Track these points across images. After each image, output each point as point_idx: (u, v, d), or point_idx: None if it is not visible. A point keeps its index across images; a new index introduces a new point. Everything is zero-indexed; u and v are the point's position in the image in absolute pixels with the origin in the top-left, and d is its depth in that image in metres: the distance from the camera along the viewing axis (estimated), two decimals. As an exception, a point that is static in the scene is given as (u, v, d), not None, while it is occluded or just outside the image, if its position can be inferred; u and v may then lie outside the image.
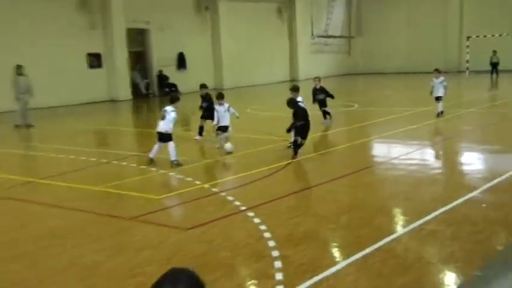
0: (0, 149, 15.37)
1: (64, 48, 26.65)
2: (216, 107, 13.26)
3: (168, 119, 11.77)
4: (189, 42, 32.66)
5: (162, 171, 11.42)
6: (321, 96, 16.78)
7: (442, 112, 17.15)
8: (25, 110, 19.65)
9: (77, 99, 26.89)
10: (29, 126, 19.49)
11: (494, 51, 32.60)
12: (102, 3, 28.00)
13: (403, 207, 8.40)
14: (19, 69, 19.73)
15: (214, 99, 13.81)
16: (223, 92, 14.02)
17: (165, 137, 11.83)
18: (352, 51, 45.29)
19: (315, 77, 17.42)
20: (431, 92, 17.46)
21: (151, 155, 12.00)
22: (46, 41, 25.85)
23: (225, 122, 13.13)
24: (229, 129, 13.28)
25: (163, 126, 11.81)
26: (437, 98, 17.23)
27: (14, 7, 24.80)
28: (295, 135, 12.04)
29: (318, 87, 16.93)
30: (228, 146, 12.80)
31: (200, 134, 14.74)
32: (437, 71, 17.55)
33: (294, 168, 11.50)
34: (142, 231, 7.66)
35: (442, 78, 17.27)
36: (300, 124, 11.94)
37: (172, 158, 11.69)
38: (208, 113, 14.21)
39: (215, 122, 13.24)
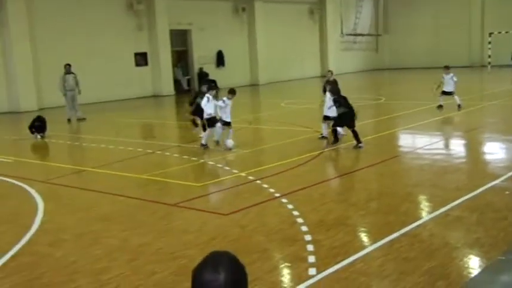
0: (54, 140, 15.65)
1: (114, 48, 26.96)
2: (226, 101, 12.27)
3: (203, 106, 12.19)
4: (227, 41, 32.63)
5: (201, 160, 11.44)
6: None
7: (460, 105, 16.82)
8: (74, 105, 19.84)
9: (125, 95, 27.18)
10: (80, 119, 19.76)
11: (516, 46, 31.69)
12: (148, 7, 28.20)
13: (429, 195, 8.20)
14: (68, 68, 19.97)
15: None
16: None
17: (207, 123, 12.24)
18: (380, 48, 44.63)
19: (328, 70, 17.35)
20: (439, 86, 17.22)
21: (203, 141, 12.26)
22: (98, 41, 26.15)
23: (229, 117, 12.35)
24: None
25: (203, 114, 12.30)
26: (449, 93, 17.00)
27: (68, 11, 25.09)
28: (334, 125, 12.04)
29: (330, 79, 16.83)
30: (229, 142, 12.10)
31: (196, 125, 14.11)
32: (447, 67, 17.37)
33: (325, 158, 11.37)
34: (184, 217, 7.67)
35: (451, 74, 17.06)
36: (343, 112, 11.78)
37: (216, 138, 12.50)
38: (200, 110, 12.87)
39: (220, 114, 12.36)
